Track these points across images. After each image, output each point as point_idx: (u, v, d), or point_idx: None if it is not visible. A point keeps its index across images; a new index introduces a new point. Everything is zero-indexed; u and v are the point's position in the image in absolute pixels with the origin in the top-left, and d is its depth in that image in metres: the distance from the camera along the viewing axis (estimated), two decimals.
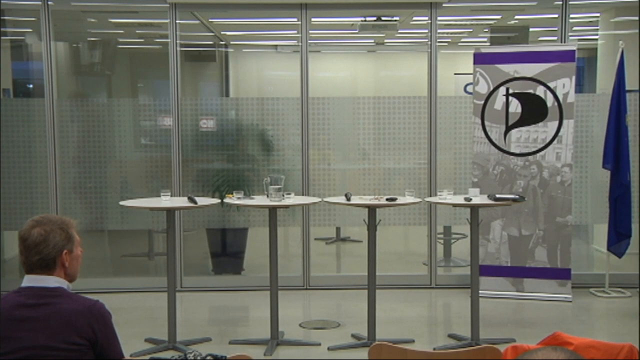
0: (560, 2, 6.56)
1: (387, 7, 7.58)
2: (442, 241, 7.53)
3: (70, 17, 7.50)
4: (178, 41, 6.55)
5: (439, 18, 6.64)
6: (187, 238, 6.96)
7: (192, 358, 2.48)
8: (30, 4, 6.62)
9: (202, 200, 5.25)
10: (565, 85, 6.14)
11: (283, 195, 5.02)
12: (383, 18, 7.97)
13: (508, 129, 6.30)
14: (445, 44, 9.75)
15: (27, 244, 2.40)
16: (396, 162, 6.83)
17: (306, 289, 6.71)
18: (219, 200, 5.53)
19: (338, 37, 10.36)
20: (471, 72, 6.43)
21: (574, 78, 6.13)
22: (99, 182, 6.79)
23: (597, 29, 8.09)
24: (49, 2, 6.45)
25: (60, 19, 6.83)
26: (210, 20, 8.39)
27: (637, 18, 6.51)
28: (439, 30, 6.64)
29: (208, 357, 2.46)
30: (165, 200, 5.11)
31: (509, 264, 6.35)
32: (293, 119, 6.74)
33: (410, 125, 6.74)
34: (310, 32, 6.64)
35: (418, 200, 5.27)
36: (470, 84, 6.75)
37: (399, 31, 8.81)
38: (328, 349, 5.02)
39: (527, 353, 1.60)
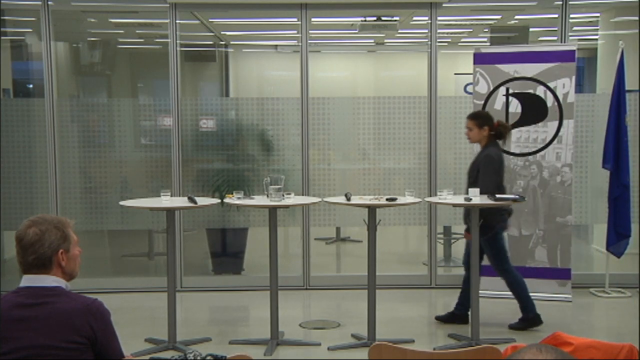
0: (560, 2, 6.56)
1: (387, 7, 7.59)
2: (442, 241, 7.53)
3: (70, 17, 7.50)
4: (178, 41, 6.55)
5: (439, 18, 6.64)
6: (187, 238, 6.95)
7: (192, 358, 2.48)
8: (30, 4, 6.62)
9: (202, 200, 5.24)
10: (565, 85, 6.14)
11: (283, 195, 5.02)
12: (383, 18, 7.97)
13: None
14: (445, 44, 9.75)
15: (23, 243, 2.40)
16: (396, 162, 6.83)
17: (306, 289, 6.71)
18: (219, 200, 5.53)
19: (338, 37, 10.37)
20: (471, 72, 6.43)
21: (574, 78, 6.12)
22: (99, 182, 6.79)
23: (597, 29, 8.09)
24: (49, 2, 6.45)
25: (60, 19, 6.83)
26: (210, 20, 8.39)
27: (637, 18, 6.51)
28: (439, 30, 6.64)
29: (208, 357, 2.46)
30: (165, 200, 5.11)
31: None
32: (293, 119, 6.74)
33: (410, 125, 6.73)
34: (310, 32, 6.63)
35: (418, 200, 5.26)
36: (470, 84, 6.75)
37: (399, 31, 8.81)
38: (328, 349, 5.02)
39: (514, 353, 1.60)
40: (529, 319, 5.43)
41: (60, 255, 2.43)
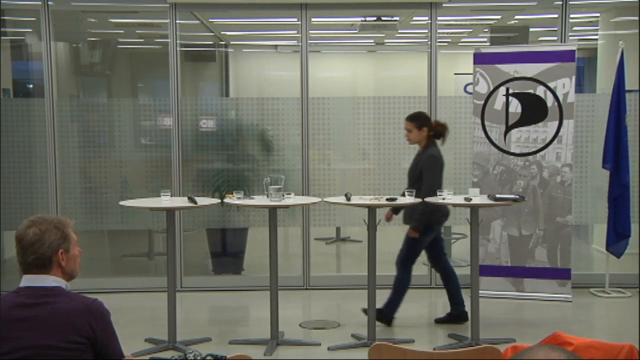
0: (560, 2, 6.56)
1: (387, 7, 7.58)
2: None
3: (70, 17, 7.50)
4: (178, 41, 6.55)
5: (439, 18, 6.64)
6: (187, 238, 6.95)
7: (192, 358, 2.48)
8: (30, 4, 6.62)
9: (202, 200, 5.24)
10: (565, 85, 6.14)
11: (283, 195, 5.02)
12: (383, 18, 7.97)
13: (508, 129, 6.30)
14: (445, 44, 9.75)
15: (23, 243, 2.40)
16: (396, 162, 6.83)
17: (306, 289, 6.71)
18: (219, 200, 5.53)
19: (338, 37, 10.37)
20: (471, 72, 6.43)
21: (574, 78, 6.12)
22: (99, 182, 6.79)
23: (597, 29, 8.09)
24: (49, 2, 6.45)
25: (60, 19, 6.83)
26: (210, 20, 8.40)
27: (637, 18, 6.51)
28: (439, 30, 6.64)
29: (208, 357, 2.46)
30: (165, 200, 5.11)
31: (509, 264, 6.35)
32: (293, 119, 6.74)
33: None
34: (310, 32, 6.63)
35: (418, 200, 5.26)
36: (470, 84, 6.75)
37: (399, 31, 8.81)
38: (328, 349, 5.02)
39: (526, 351, 1.59)
40: (387, 317, 5.48)
41: (60, 255, 2.43)
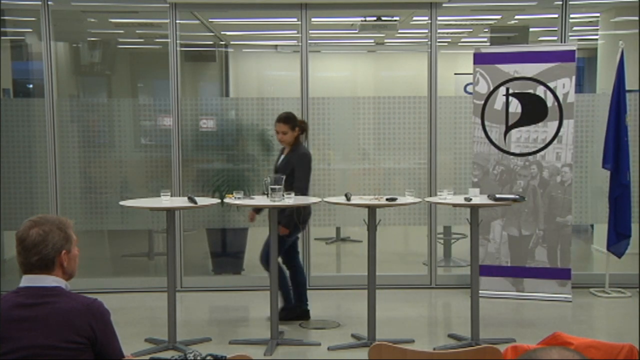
0: (560, 2, 6.56)
1: (387, 7, 7.59)
2: (442, 241, 7.53)
3: (70, 17, 7.50)
4: (178, 41, 6.55)
5: (439, 18, 6.64)
6: (187, 238, 6.95)
7: (192, 358, 2.48)
8: (30, 4, 6.62)
9: (202, 200, 5.24)
10: (565, 85, 6.14)
11: (283, 195, 5.02)
12: (383, 18, 7.98)
13: (508, 129, 6.30)
14: (445, 44, 9.75)
15: (26, 244, 2.39)
16: (396, 162, 6.83)
17: (306, 289, 6.69)
18: (219, 200, 5.53)
19: (338, 37, 10.37)
20: (471, 72, 6.43)
21: (574, 78, 6.12)
22: (99, 182, 6.79)
23: (597, 29, 8.10)
24: (49, 2, 6.44)
25: (60, 19, 6.83)
26: (210, 20, 8.40)
27: (637, 18, 6.51)
28: (439, 30, 6.64)
29: (208, 357, 2.47)
30: (165, 200, 5.11)
31: (509, 264, 6.35)
32: None
33: (410, 125, 6.73)
34: (310, 32, 6.63)
35: (418, 200, 5.27)
36: (470, 84, 6.75)
37: (399, 31, 8.82)
38: (328, 349, 5.02)
39: (537, 351, 1.59)
40: (290, 309, 5.59)
41: (62, 256, 2.43)
